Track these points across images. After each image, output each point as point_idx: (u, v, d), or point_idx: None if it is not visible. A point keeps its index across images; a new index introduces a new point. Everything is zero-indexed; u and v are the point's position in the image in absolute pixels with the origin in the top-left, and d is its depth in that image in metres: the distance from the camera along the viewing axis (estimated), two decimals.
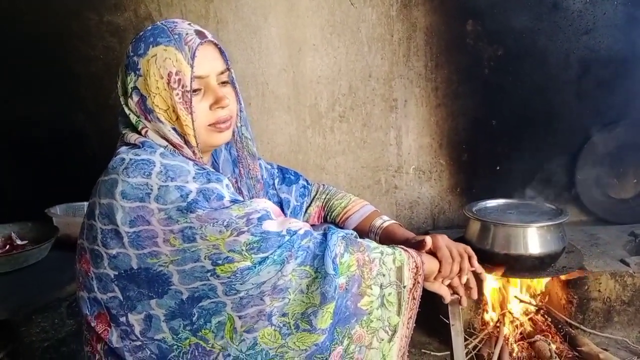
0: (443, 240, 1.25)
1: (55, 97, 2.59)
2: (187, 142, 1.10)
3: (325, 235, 1.09)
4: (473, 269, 1.28)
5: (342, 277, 1.05)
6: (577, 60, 2.67)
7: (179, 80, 1.05)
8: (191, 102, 1.07)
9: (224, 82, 1.14)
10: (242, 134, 1.29)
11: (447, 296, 1.26)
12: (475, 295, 1.32)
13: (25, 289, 1.88)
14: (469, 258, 1.27)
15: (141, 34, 1.11)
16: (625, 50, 2.65)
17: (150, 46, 1.07)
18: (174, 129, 1.09)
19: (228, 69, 1.15)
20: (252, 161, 1.33)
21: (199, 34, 1.10)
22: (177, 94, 1.06)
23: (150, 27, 1.11)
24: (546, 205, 2.18)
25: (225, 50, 1.16)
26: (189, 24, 1.12)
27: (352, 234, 1.15)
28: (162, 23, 1.11)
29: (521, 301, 2.27)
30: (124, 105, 1.12)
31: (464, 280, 1.27)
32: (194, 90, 1.08)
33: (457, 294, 1.29)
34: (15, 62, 2.55)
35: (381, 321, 1.11)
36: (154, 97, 1.07)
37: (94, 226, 1.02)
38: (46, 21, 2.50)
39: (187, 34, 1.08)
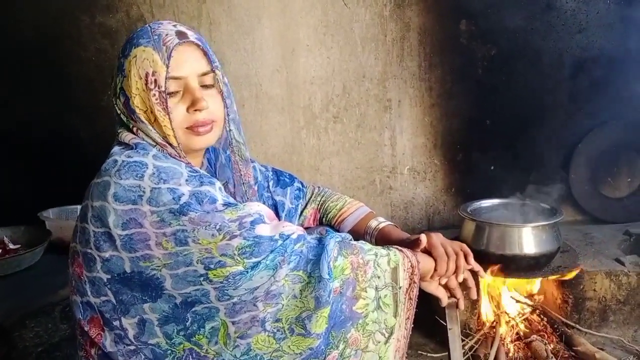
0: (438, 238, 1.23)
1: (47, 99, 2.57)
2: (169, 143, 1.09)
3: (319, 239, 1.08)
4: (470, 267, 1.27)
5: (336, 280, 1.04)
6: (570, 59, 2.67)
7: (155, 80, 1.04)
8: (167, 103, 1.05)
9: (207, 85, 1.12)
10: (234, 137, 1.27)
11: (445, 299, 1.25)
12: (474, 295, 1.30)
13: (18, 293, 1.86)
14: (465, 256, 1.26)
15: (131, 34, 1.11)
16: (618, 49, 2.66)
17: (133, 47, 1.07)
18: (155, 129, 1.08)
19: (212, 71, 1.13)
20: (245, 166, 1.31)
21: (180, 34, 1.08)
22: (154, 95, 1.05)
23: (139, 28, 1.11)
24: (541, 205, 2.18)
25: (212, 52, 1.14)
26: (175, 24, 1.11)
27: (347, 237, 1.14)
28: (149, 24, 1.10)
29: (517, 301, 2.26)
30: (114, 106, 1.12)
31: (460, 279, 1.25)
32: (172, 92, 1.07)
33: (455, 296, 1.27)
34: (8, 65, 2.53)
35: (377, 324, 1.10)
36: (135, 97, 1.07)
37: (86, 229, 1.01)
38: (37, 23, 2.49)
39: (167, 34, 1.07)
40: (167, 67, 1.05)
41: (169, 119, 1.06)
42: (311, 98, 2.65)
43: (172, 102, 1.08)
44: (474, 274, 1.30)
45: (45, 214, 2.28)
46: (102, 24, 2.49)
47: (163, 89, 1.05)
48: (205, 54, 1.11)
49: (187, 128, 1.10)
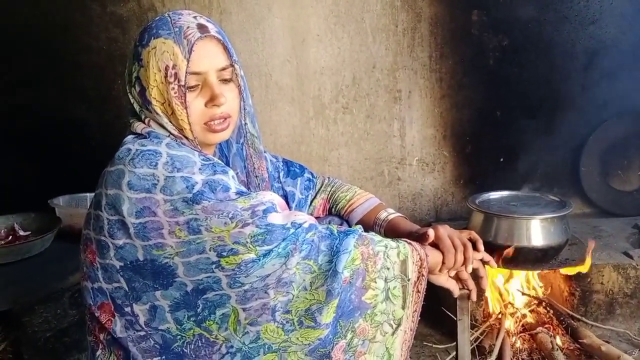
0: (445, 230, 1.22)
1: (59, 87, 2.58)
2: (184, 136, 1.10)
3: (331, 230, 1.09)
4: (480, 257, 1.25)
5: (347, 270, 1.04)
6: (583, 50, 2.65)
7: (175, 74, 1.04)
8: (185, 97, 1.06)
9: (225, 80, 1.12)
10: (248, 131, 1.27)
11: (456, 290, 1.24)
12: (485, 285, 1.28)
13: (28, 279, 1.88)
14: (475, 243, 1.25)
15: (149, 23, 1.10)
16: (631, 40, 2.63)
17: (152, 38, 1.06)
18: (171, 122, 1.09)
19: (232, 65, 1.12)
20: (258, 159, 1.32)
21: (201, 27, 1.08)
22: (173, 89, 1.05)
23: (158, 18, 1.10)
24: (550, 197, 2.17)
25: (230, 46, 1.13)
26: (195, 16, 1.10)
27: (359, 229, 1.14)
28: (168, 14, 1.10)
29: (523, 294, 2.26)
30: (128, 94, 1.12)
31: (469, 270, 1.23)
32: (191, 87, 1.07)
33: (467, 287, 1.26)
34: (18, 52, 2.54)
35: (385, 315, 1.10)
36: (152, 89, 1.07)
37: (100, 217, 1.02)
38: (49, 12, 2.49)
39: (188, 27, 1.06)
40: (188, 61, 1.05)
41: (187, 113, 1.07)
42: (321, 88, 2.65)
43: (191, 97, 1.07)
44: (484, 264, 1.29)
45: (55, 201, 2.30)
46: (114, 13, 2.49)
47: (183, 83, 1.05)
48: (225, 48, 1.11)
49: (204, 124, 1.10)
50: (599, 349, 1.98)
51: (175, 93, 1.05)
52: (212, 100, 1.09)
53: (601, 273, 2.17)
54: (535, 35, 2.61)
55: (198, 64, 1.06)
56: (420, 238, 1.22)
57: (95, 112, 2.60)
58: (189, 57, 1.05)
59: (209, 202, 0.98)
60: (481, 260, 1.26)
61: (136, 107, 1.11)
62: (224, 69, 1.11)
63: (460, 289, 1.26)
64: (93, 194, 1.08)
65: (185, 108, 1.06)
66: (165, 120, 1.08)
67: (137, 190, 0.99)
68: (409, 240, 1.17)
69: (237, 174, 1.30)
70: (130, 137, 1.09)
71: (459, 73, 2.67)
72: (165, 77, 1.05)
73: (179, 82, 1.05)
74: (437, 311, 2.08)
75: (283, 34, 2.56)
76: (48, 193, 2.32)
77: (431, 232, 1.19)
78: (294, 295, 1.01)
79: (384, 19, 2.57)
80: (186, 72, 1.05)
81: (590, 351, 2.03)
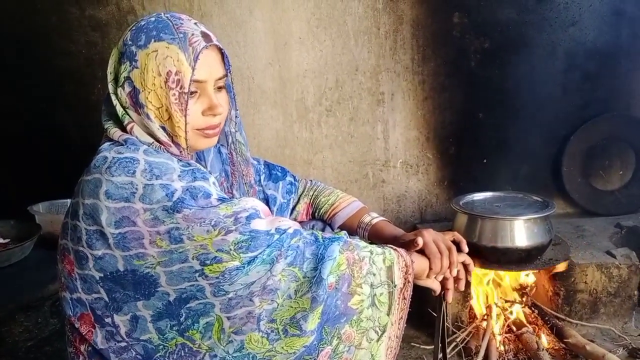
0: (429, 235, 1.22)
1: (37, 92, 2.54)
2: (174, 142, 1.08)
3: (315, 235, 1.08)
4: (463, 259, 1.25)
5: (332, 276, 1.03)
6: (563, 52, 2.67)
7: (178, 80, 1.03)
8: (187, 105, 1.05)
9: (220, 87, 1.12)
10: (236, 139, 1.27)
11: (438, 289, 1.24)
12: (462, 287, 1.28)
13: (7, 287, 1.85)
14: (459, 244, 1.25)
15: (143, 23, 1.07)
16: (611, 42, 2.66)
17: (153, 40, 1.04)
18: (163, 127, 1.06)
19: (226, 75, 1.13)
20: (246, 166, 1.31)
21: (205, 36, 1.07)
22: (174, 95, 1.03)
23: (153, 18, 1.07)
24: (533, 198, 2.19)
25: (228, 54, 1.14)
26: (196, 23, 1.09)
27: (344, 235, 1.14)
28: (167, 17, 1.07)
29: (507, 301, 2.27)
30: (112, 94, 1.08)
31: (454, 273, 1.24)
32: (191, 93, 1.06)
33: (445, 286, 1.26)
34: None
35: (371, 321, 1.09)
36: (149, 92, 1.04)
37: (78, 227, 1.00)
38: (26, 16, 2.45)
39: (192, 34, 1.05)
40: (194, 69, 1.03)
41: (186, 120, 1.05)
42: (304, 91, 2.64)
43: (189, 103, 1.06)
44: (465, 267, 1.28)
45: (35, 208, 2.26)
46: (92, 17, 2.46)
47: (186, 90, 1.03)
48: (224, 56, 1.12)
49: (197, 130, 1.10)
50: (583, 348, 1.99)
51: (175, 99, 1.03)
52: (210, 109, 1.09)
53: (585, 272, 2.19)
54: (516, 37, 2.63)
55: (201, 73, 1.05)
56: (407, 245, 1.21)
57: (74, 117, 2.56)
58: (195, 65, 1.03)
59: (190, 209, 0.97)
60: (462, 262, 1.26)
61: (119, 109, 1.08)
62: (220, 77, 1.11)
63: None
64: None
65: (185, 115, 1.05)
66: (155, 126, 1.06)
67: (115, 200, 0.97)
68: (394, 247, 1.16)
69: (216, 177, 1.28)
70: (106, 144, 1.07)
71: (441, 75, 2.67)
72: (166, 82, 1.03)
73: (181, 88, 1.03)
74: (424, 313, 2.08)
75: (265, 37, 2.55)
76: (27, 200, 2.28)
77: (420, 241, 1.19)
78: (278, 304, 1.00)
79: (366, 22, 2.57)
80: (191, 80, 1.04)
81: (576, 350, 2.04)
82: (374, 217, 1.37)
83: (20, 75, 2.53)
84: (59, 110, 2.56)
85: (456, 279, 1.27)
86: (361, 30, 2.58)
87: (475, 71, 2.68)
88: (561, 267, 2.13)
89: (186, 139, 1.07)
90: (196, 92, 1.08)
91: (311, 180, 1.52)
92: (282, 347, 1.00)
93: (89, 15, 2.45)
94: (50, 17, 2.45)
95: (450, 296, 1.27)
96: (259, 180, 1.40)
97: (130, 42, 1.05)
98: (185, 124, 1.06)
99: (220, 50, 1.11)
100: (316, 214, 1.45)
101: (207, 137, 1.12)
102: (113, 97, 1.08)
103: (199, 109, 1.08)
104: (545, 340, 2.13)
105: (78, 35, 2.48)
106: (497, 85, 2.69)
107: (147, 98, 1.04)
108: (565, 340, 2.08)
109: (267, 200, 1.39)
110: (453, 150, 2.78)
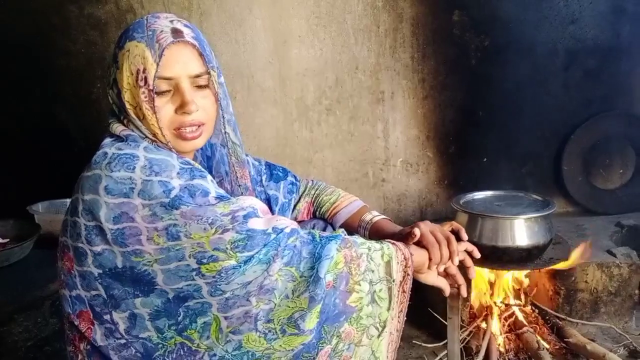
0: (426, 226, 1.20)
1: (36, 92, 2.54)
2: (157, 139, 1.08)
3: (313, 235, 1.07)
4: (464, 246, 1.24)
5: (329, 274, 1.02)
6: (563, 50, 2.67)
7: (145, 78, 1.02)
8: (154, 102, 1.03)
9: (200, 86, 1.09)
10: (230, 139, 1.25)
11: (447, 288, 1.23)
12: (473, 274, 1.27)
13: (7, 288, 1.84)
14: (458, 232, 1.24)
15: (129, 26, 1.09)
16: (611, 39, 2.66)
17: (127, 40, 1.05)
18: (144, 125, 1.07)
19: (208, 73, 1.09)
20: (241, 168, 1.29)
21: (175, 32, 1.05)
22: (143, 92, 1.03)
23: (137, 20, 1.09)
24: (533, 197, 2.18)
25: (209, 51, 1.10)
26: (172, 20, 1.07)
27: (342, 233, 1.13)
28: (146, 17, 1.07)
29: (506, 305, 2.26)
30: (108, 96, 1.11)
31: (456, 262, 1.21)
32: (163, 92, 1.05)
33: (457, 282, 1.25)
34: None
35: (372, 318, 1.09)
36: (125, 92, 1.05)
37: (77, 223, 1.00)
38: (25, 15, 2.45)
39: (161, 31, 1.04)
40: (158, 65, 1.02)
41: (156, 118, 1.05)
42: (304, 90, 2.63)
43: (161, 102, 1.05)
44: (468, 254, 1.27)
45: (34, 208, 2.26)
46: (91, 15, 2.45)
47: (152, 87, 1.03)
48: (201, 54, 1.08)
49: (175, 130, 1.08)
50: (584, 348, 1.98)
51: (145, 97, 1.03)
52: (182, 107, 1.06)
53: (585, 272, 2.18)
54: (516, 36, 2.63)
55: (169, 69, 1.04)
56: (404, 238, 1.20)
57: (74, 117, 2.55)
58: (159, 61, 1.02)
59: (188, 207, 0.96)
60: (465, 250, 1.25)
61: (115, 109, 1.11)
62: (198, 75, 1.08)
63: (450, 286, 1.24)
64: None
65: (154, 113, 1.04)
66: (138, 123, 1.07)
67: (114, 195, 0.97)
68: (392, 241, 1.16)
69: (220, 181, 1.28)
70: (108, 139, 1.07)
71: (442, 73, 2.67)
72: (136, 80, 1.03)
73: (148, 86, 1.03)
74: (424, 312, 2.08)
75: (264, 36, 2.55)
76: (27, 199, 2.28)
77: (417, 231, 1.18)
78: (276, 304, 1.00)
79: (366, 20, 2.57)
80: (155, 77, 1.02)
81: (576, 350, 2.04)
82: (374, 216, 1.36)
83: (20, 74, 2.52)
84: (59, 110, 2.56)
85: (464, 268, 1.25)
86: (361, 28, 2.58)
87: (476, 69, 2.67)
88: (567, 264, 2.10)
89: (164, 136, 1.06)
90: (169, 90, 1.06)
91: (312, 180, 1.52)
92: (281, 345, 1.00)
93: (87, 13, 2.45)
94: (50, 16, 2.45)
95: (464, 290, 1.26)
96: (261, 181, 1.39)
97: (115, 45, 1.08)
98: (157, 121, 1.05)
99: (195, 47, 1.07)
100: (317, 212, 1.45)
101: (186, 140, 1.09)
102: (109, 99, 1.10)
103: (172, 107, 1.07)
104: (544, 339, 2.13)
105: (77, 34, 2.47)
106: (497, 84, 2.68)
107: (124, 97, 1.05)
108: (565, 339, 2.08)
109: (269, 201, 1.38)
110: (453, 149, 2.77)
